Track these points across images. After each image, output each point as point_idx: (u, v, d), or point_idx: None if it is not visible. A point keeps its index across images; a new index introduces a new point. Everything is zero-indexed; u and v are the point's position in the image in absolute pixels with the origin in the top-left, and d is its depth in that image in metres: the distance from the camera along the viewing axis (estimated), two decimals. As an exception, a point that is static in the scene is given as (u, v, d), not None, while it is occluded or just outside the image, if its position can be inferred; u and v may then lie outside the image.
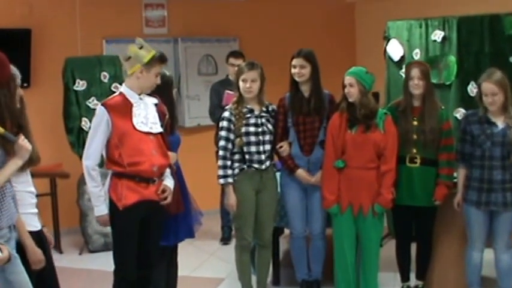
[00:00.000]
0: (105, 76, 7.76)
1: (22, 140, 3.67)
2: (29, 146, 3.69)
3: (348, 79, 5.40)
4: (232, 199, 5.53)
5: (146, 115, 4.80)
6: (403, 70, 6.61)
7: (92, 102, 7.60)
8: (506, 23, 6.59)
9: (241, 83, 5.50)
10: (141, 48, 4.77)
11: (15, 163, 3.66)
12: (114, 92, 5.23)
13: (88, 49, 8.30)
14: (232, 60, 7.70)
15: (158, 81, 4.86)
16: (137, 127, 4.72)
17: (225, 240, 7.90)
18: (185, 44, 9.13)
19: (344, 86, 5.42)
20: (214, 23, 9.29)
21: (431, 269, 5.90)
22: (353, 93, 5.38)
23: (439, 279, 5.92)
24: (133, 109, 4.77)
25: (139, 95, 4.83)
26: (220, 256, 7.38)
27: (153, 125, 4.82)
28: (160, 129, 4.88)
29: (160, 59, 4.84)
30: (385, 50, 7.32)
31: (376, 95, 5.79)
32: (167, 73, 5.41)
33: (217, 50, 9.17)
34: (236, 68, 7.16)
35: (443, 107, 5.73)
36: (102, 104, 4.78)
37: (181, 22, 9.16)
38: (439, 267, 5.90)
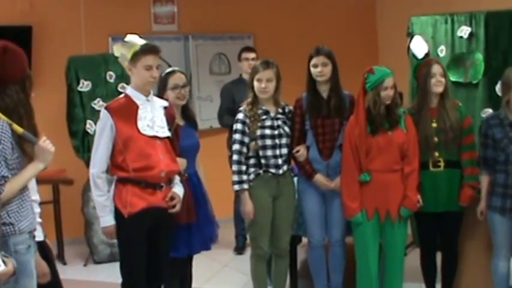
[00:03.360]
0: (111, 76, 7.78)
1: (44, 142, 3.70)
2: (51, 148, 3.73)
3: (391, 81, 5.37)
4: (248, 206, 5.53)
5: (153, 118, 4.81)
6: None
7: (97, 104, 7.64)
8: (536, 18, 6.60)
9: (256, 83, 5.50)
10: (125, 45, 4.81)
11: (35, 167, 3.70)
12: (121, 93, 5.27)
13: (93, 47, 8.33)
14: (245, 54, 7.75)
15: (154, 74, 4.79)
16: (142, 131, 4.74)
17: (239, 249, 7.93)
18: (196, 42, 9.17)
19: (377, 90, 5.36)
20: (227, 19, 9.33)
21: (458, 279, 5.88)
22: (394, 95, 5.41)
23: (466, 290, 5.91)
24: (139, 111, 4.78)
25: (146, 96, 4.86)
26: (235, 267, 7.42)
27: (159, 129, 4.83)
28: (167, 134, 4.89)
29: (143, 50, 4.77)
30: (408, 48, 7.33)
31: (400, 95, 5.80)
32: (171, 70, 5.45)
33: (230, 48, 9.21)
34: (251, 63, 7.25)
35: (460, 104, 5.72)
36: (106, 108, 4.81)
37: (191, 18, 9.20)
38: (465, 278, 5.88)
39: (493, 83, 6.74)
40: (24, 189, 3.70)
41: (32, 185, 3.97)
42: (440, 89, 5.55)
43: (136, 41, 4.84)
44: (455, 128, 5.51)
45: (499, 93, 6.39)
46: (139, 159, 4.69)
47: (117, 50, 4.93)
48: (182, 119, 5.35)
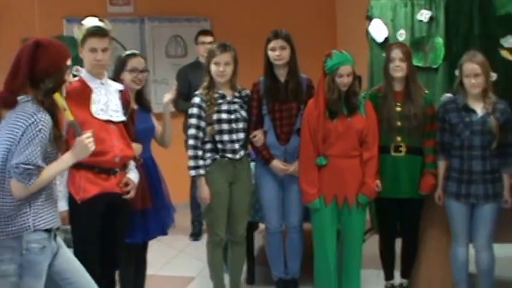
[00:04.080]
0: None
1: (87, 137, 3.92)
2: (91, 146, 3.95)
3: (347, 69, 5.33)
4: (205, 192, 5.47)
5: (107, 102, 4.74)
6: (387, 52, 6.67)
7: (51, 87, 7.49)
8: (497, 2, 6.59)
9: (213, 67, 5.44)
10: (79, 28, 4.80)
11: (66, 161, 3.92)
12: (75, 76, 5.19)
13: (47, 29, 8.11)
14: (202, 38, 7.70)
15: (98, 57, 4.72)
16: (96, 115, 4.66)
17: (195, 235, 7.89)
18: (152, 24, 9.08)
19: (332, 76, 5.33)
20: (184, 1, 9.22)
21: (417, 266, 5.89)
22: (350, 81, 5.37)
23: (425, 277, 5.89)
24: (93, 95, 4.71)
25: (101, 79, 4.79)
26: (190, 253, 7.37)
27: (113, 113, 4.76)
28: (122, 118, 4.82)
29: (89, 32, 4.73)
30: (367, 31, 7.32)
31: (358, 79, 5.78)
32: (132, 52, 5.39)
33: (186, 30, 9.10)
34: (207, 47, 7.19)
35: (427, 91, 5.70)
36: None
37: (148, 0, 9.09)
38: (425, 265, 5.88)
39: (453, 67, 6.63)
40: (50, 184, 3.87)
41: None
42: (399, 74, 5.52)
43: (89, 23, 4.79)
44: (419, 115, 5.51)
45: (460, 78, 6.44)
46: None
47: (75, 33, 4.90)
48: (136, 103, 5.26)
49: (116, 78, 5.13)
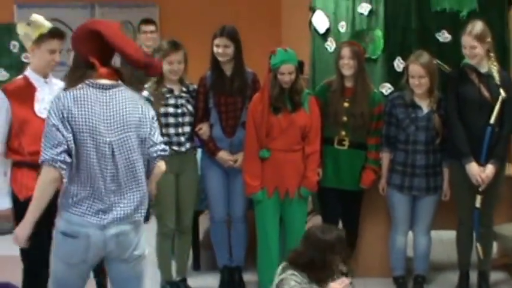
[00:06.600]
0: (14, 46, 7.49)
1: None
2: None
3: (288, 67, 5.24)
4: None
5: (50, 100, 4.59)
6: (328, 43, 6.63)
7: (0, 74, 7.37)
8: (433, -2, 6.57)
9: (166, 65, 5.32)
10: (29, 24, 4.59)
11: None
12: (25, 63, 5.05)
13: (-2, 15, 7.99)
14: (144, 27, 7.56)
15: (57, 58, 4.62)
16: (39, 114, 4.52)
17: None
18: (102, 10, 8.99)
19: (274, 73, 5.26)
20: (134, -14, 9.09)
21: (356, 253, 5.88)
22: (292, 79, 5.28)
23: (364, 263, 5.92)
24: (37, 94, 4.59)
25: (45, 78, 4.66)
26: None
27: None
28: None
29: (51, 34, 4.59)
30: (310, 22, 7.22)
31: (300, 65, 5.70)
32: None
33: (136, 16, 8.88)
34: (149, 36, 7.08)
35: (376, 90, 5.70)
36: (2, 89, 4.60)
37: (98, -14, 8.92)
38: (364, 252, 5.92)
39: (391, 59, 6.67)
40: None
41: None
42: (347, 72, 5.50)
43: (43, 22, 4.64)
44: (365, 114, 5.50)
45: (397, 69, 6.39)
46: (35, 142, 4.36)
47: (21, 28, 4.69)
48: None
49: None
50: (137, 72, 4.81)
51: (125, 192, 3.62)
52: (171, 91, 5.42)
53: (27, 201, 4.36)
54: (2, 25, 7.58)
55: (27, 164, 4.49)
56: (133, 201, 3.65)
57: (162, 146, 3.77)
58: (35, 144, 4.39)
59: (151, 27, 7.46)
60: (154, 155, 3.73)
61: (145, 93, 5.37)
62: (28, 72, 4.67)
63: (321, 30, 7.01)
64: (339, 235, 4.28)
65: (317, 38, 7.08)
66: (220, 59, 5.49)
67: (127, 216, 3.63)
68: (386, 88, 6.52)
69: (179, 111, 5.42)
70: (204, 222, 6.48)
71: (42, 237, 4.45)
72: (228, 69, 5.54)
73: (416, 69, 5.28)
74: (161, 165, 3.80)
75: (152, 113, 3.75)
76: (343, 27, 6.88)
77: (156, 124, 3.75)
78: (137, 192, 3.66)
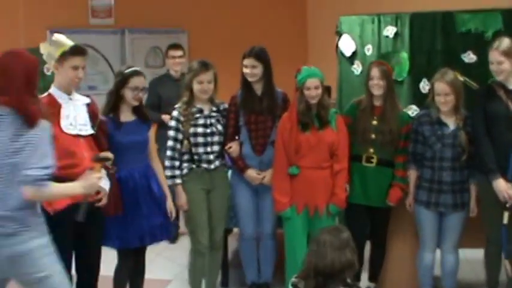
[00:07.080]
0: (48, 69, 7.50)
1: (96, 176, 4.19)
2: (97, 185, 4.31)
3: (314, 82, 5.31)
4: (182, 199, 5.45)
5: (75, 116, 4.69)
6: (355, 66, 6.68)
7: (35, 97, 7.38)
8: (458, 20, 6.58)
9: (196, 85, 5.39)
10: (53, 44, 4.68)
11: (74, 188, 4.14)
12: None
13: (31, 40, 8.01)
14: (172, 52, 7.56)
15: (80, 74, 4.68)
16: (65, 130, 4.59)
17: (172, 239, 7.74)
18: (132, 35, 9.04)
19: (300, 89, 5.32)
20: (163, 13, 9.19)
21: (384, 270, 5.87)
22: (319, 95, 5.33)
23: (392, 281, 5.90)
24: (62, 111, 4.65)
25: (69, 95, 4.73)
26: (167, 256, 7.24)
27: (82, 127, 4.71)
28: (90, 131, 4.76)
29: (72, 51, 4.65)
30: (337, 46, 7.27)
31: (328, 89, 5.75)
32: (135, 70, 5.20)
33: (165, 42, 8.89)
34: (177, 61, 7.15)
35: (404, 110, 5.72)
36: None
37: (128, 12, 9.05)
38: (391, 269, 5.89)
39: (417, 81, 6.71)
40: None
41: None
42: (377, 92, 5.53)
43: (65, 41, 4.72)
44: (393, 132, 5.51)
45: (423, 91, 6.41)
46: (64, 157, 4.46)
47: (44, 48, 4.80)
48: (133, 115, 5.16)
49: (116, 92, 5.07)
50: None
51: None
52: (200, 111, 5.46)
53: (57, 214, 4.49)
54: (36, 50, 7.67)
55: (56, 178, 4.49)
56: None
57: None
58: (64, 159, 4.45)
59: (179, 52, 7.50)
60: None
61: (174, 113, 5.44)
62: (52, 90, 4.72)
63: (347, 53, 7.06)
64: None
65: (343, 61, 7.12)
66: (249, 79, 5.54)
67: None
68: (413, 110, 6.54)
69: (208, 130, 5.46)
70: (232, 242, 6.52)
71: None
72: (258, 89, 5.59)
73: (442, 87, 5.28)
74: None
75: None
76: (369, 50, 6.93)
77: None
78: None
